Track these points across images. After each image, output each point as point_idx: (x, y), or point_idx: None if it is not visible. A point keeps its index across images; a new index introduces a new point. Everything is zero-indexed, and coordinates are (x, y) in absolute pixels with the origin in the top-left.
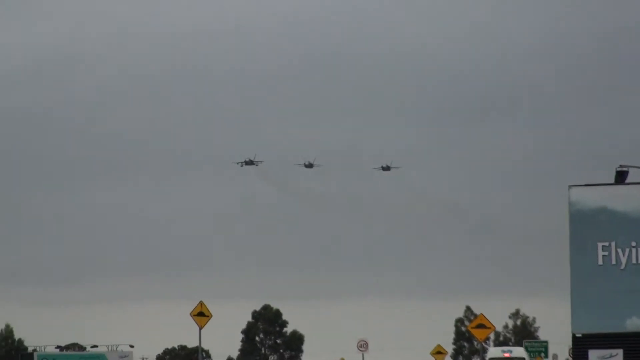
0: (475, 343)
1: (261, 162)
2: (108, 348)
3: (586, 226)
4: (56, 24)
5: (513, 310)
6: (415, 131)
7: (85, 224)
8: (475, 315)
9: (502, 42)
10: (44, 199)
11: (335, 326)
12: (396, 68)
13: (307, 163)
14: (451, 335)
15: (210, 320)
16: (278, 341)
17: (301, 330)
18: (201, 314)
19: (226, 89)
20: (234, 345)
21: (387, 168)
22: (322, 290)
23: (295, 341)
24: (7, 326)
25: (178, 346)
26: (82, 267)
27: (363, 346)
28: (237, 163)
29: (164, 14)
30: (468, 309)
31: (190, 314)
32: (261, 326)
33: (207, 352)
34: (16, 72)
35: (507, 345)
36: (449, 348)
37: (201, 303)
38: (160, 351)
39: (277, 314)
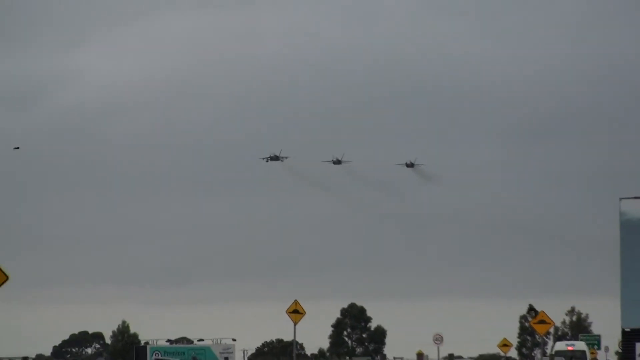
0: (537, 337)
1: (287, 157)
2: (213, 341)
3: (635, 233)
4: None
5: (569, 308)
6: (485, 149)
7: (190, 232)
8: (537, 312)
9: (560, 71)
10: (157, 211)
11: (413, 322)
12: (471, 96)
13: (334, 159)
14: (516, 330)
15: (304, 317)
16: (363, 335)
17: (384, 326)
18: (296, 312)
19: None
20: (325, 339)
21: (410, 165)
22: (402, 289)
23: (379, 335)
24: (124, 322)
25: (275, 339)
26: (188, 272)
27: (438, 339)
28: (263, 159)
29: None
30: (530, 306)
31: (286, 311)
32: (348, 322)
33: (300, 345)
34: None
35: (566, 339)
36: (514, 341)
37: (296, 302)
38: (259, 344)
39: (362, 310)
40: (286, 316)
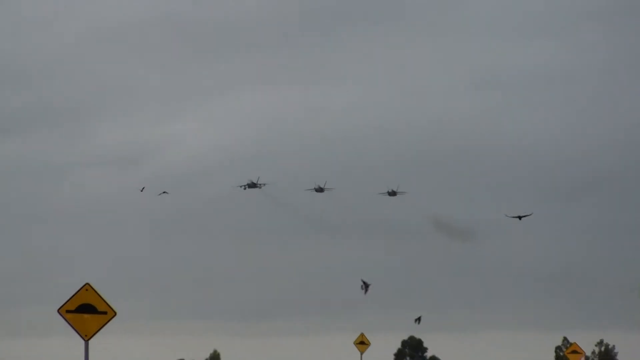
0: None
1: (264, 184)
2: None
3: None
4: None
5: (598, 340)
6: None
7: (271, 274)
8: (570, 344)
9: (589, 137)
10: (244, 256)
11: (464, 352)
12: (508, 157)
13: (317, 187)
14: (552, 359)
15: (369, 347)
16: None
17: (438, 355)
18: (362, 343)
19: None
20: None
21: (393, 193)
22: (454, 323)
23: None
24: (215, 352)
25: None
26: (270, 308)
27: None
28: (240, 186)
29: None
30: (565, 338)
31: (353, 342)
32: (407, 352)
33: None
34: None
35: None
36: None
37: (362, 334)
38: None
39: (420, 342)
40: (354, 346)
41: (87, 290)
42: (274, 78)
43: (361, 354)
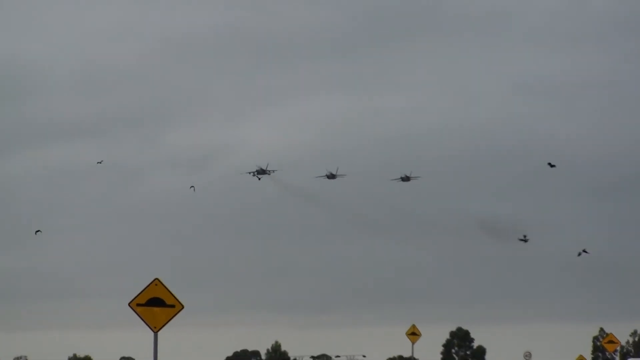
0: (607, 354)
1: (274, 170)
2: (347, 357)
3: None
4: None
5: (632, 330)
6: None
7: (329, 270)
8: (607, 334)
9: (625, 139)
10: (304, 252)
11: (508, 342)
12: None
13: (328, 174)
14: (589, 348)
15: (420, 337)
16: (467, 352)
17: (484, 345)
18: (413, 334)
19: None
20: (437, 356)
21: (406, 179)
22: (499, 315)
23: (480, 353)
24: (276, 342)
25: (397, 356)
26: (328, 301)
27: (528, 356)
28: (249, 173)
29: None
30: (601, 329)
31: (405, 333)
32: (455, 342)
33: None
34: None
35: (630, 355)
36: (588, 357)
37: (413, 325)
38: (384, 359)
39: (467, 333)
40: (406, 337)
41: (156, 285)
42: (334, 85)
43: (412, 344)
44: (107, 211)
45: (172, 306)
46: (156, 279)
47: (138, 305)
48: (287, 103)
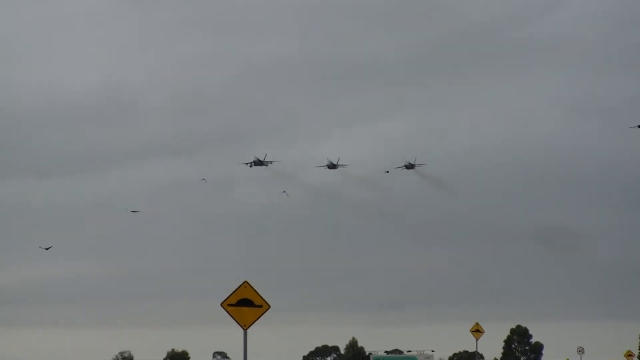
0: None
1: (272, 162)
2: (417, 352)
3: None
4: None
5: None
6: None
7: (401, 272)
8: None
9: None
10: (379, 256)
11: (563, 338)
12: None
13: (329, 164)
14: (637, 344)
15: (483, 334)
16: (526, 348)
17: (541, 341)
18: (477, 330)
19: None
20: (498, 351)
21: (410, 166)
22: (555, 313)
23: (537, 348)
24: (353, 338)
25: (462, 351)
26: (400, 300)
27: (581, 351)
28: (246, 164)
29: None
30: None
31: (469, 330)
32: (515, 338)
33: (481, 355)
34: None
35: None
36: (636, 352)
37: (477, 323)
38: (450, 354)
39: (526, 330)
40: (470, 334)
41: (245, 287)
42: (406, 106)
43: (476, 340)
44: (202, 220)
45: (260, 306)
46: (245, 281)
47: (229, 305)
48: (364, 123)
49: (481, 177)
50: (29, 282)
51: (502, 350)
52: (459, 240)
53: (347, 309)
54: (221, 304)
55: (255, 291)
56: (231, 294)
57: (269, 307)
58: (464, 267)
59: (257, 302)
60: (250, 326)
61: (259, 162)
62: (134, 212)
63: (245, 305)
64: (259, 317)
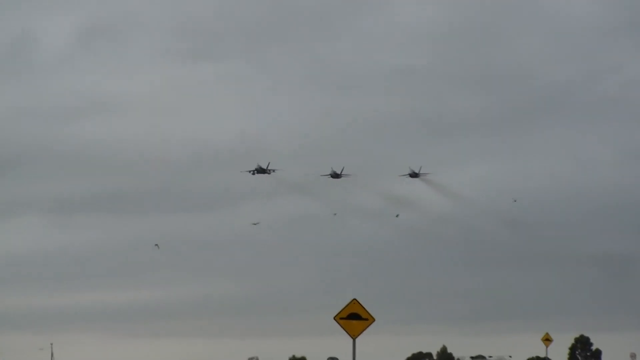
0: None
1: (274, 170)
2: (498, 357)
3: None
4: None
5: None
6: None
7: (484, 287)
8: None
9: None
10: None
11: (618, 345)
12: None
13: (332, 173)
14: None
15: (552, 342)
16: (588, 354)
17: (600, 348)
18: (547, 339)
19: None
20: (564, 357)
21: (414, 175)
22: (612, 324)
23: (597, 354)
24: (443, 346)
25: (535, 356)
26: (486, 312)
27: (633, 356)
28: (249, 171)
29: None
30: None
31: (540, 339)
32: (579, 345)
33: None
34: None
35: None
36: None
37: (547, 333)
38: (524, 359)
39: (587, 339)
40: (541, 342)
41: (354, 303)
42: (487, 154)
43: (546, 347)
44: (317, 249)
45: (366, 319)
46: (354, 299)
47: (341, 319)
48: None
49: (557, 213)
50: (182, 299)
51: (567, 356)
52: (534, 266)
53: (439, 321)
54: (334, 318)
55: (363, 307)
56: (342, 309)
57: (374, 320)
58: (537, 287)
59: (364, 315)
60: (358, 336)
61: (261, 170)
62: (254, 224)
63: (354, 318)
64: (366, 328)
